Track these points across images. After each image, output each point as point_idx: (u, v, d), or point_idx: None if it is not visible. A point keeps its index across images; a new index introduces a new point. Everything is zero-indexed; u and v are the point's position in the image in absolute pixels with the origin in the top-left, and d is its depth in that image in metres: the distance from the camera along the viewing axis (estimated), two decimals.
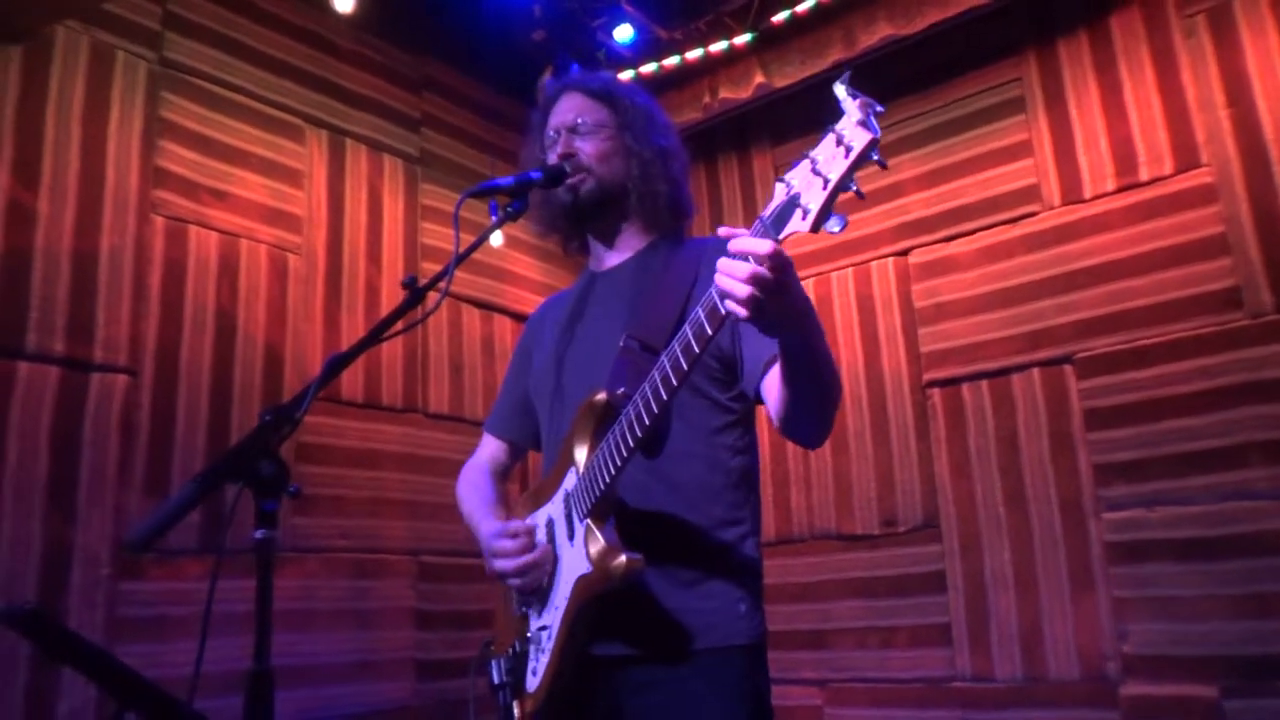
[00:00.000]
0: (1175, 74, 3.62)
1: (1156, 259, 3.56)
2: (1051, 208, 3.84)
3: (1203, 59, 3.56)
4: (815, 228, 1.13)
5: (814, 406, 1.52)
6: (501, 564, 1.66)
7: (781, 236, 1.17)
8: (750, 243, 1.19)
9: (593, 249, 1.94)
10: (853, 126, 1.09)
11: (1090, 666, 3.49)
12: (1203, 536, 3.32)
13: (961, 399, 3.96)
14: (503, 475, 2.04)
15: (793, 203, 1.15)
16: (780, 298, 1.23)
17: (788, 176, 1.17)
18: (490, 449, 2.06)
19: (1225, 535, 3.28)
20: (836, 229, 1.12)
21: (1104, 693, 3.43)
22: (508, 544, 1.66)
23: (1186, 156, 3.55)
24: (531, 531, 1.68)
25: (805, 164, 1.14)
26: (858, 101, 1.09)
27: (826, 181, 1.11)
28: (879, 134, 1.09)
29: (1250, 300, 3.35)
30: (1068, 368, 3.71)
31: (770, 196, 1.20)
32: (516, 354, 2.07)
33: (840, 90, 1.11)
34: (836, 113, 1.12)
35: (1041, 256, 3.83)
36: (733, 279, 1.21)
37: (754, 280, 1.19)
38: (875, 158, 1.10)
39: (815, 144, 1.14)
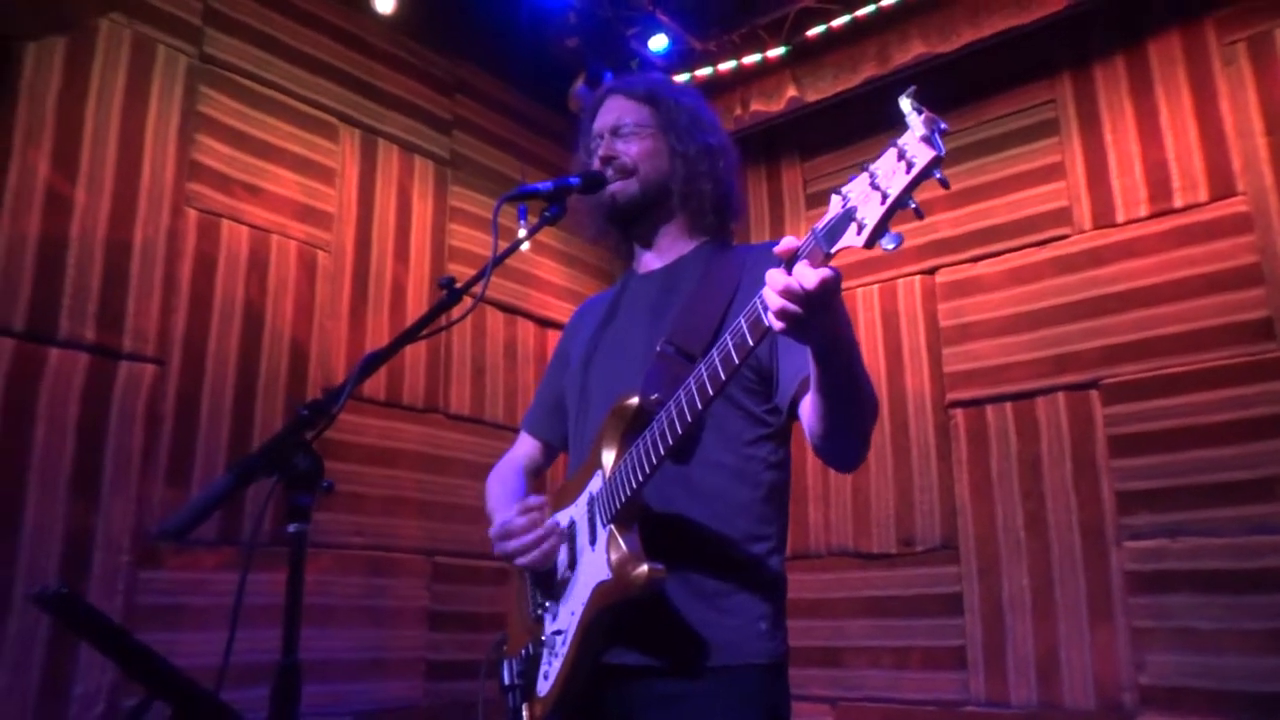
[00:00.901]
0: (1213, 101, 3.59)
1: (1188, 286, 3.52)
2: (1083, 231, 3.82)
3: (1242, 86, 3.53)
4: (870, 243, 1.10)
5: (849, 424, 1.48)
6: (512, 544, 1.62)
7: (834, 250, 1.15)
8: (803, 271, 1.17)
9: (635, 252, 1.91)
10: (916, 142, 1.06)
11: (1106, 696, 3.44)
12: (1226, 569, 3.28)
13: (985, 420, 3.93)
14: (535, 474, 2.01)
15: (848, 216, 1.12)
16: (824, 316, 1.21)
17: (845, 189, 1.13)
18: (525, 447, 2.03)
19: (1249, 569, 3.23)
20: (891, 246, 1.08)
21: None
22: (519, 520, 1.62)
23: (1222, 184, 3.52)
24: (544, 507, 1.64)
25: (864, 177, 1.11)
26: (923, 117, 1.06)
27: (885, 196, 1.07)
28: (943, 151, 1.05)
29: None
30: (1094, 393, 3.67)
31: (827, 208, 1.16)
32: (555, 353, 2.05)
33: (905, 104, 1.08)
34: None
35: (1071, 280, 3.80)
36: (778, 294, 1.18)
37: (800, 297, 1.17)
38: (938, 175, 1.07)
39: (875, 157, 1.10)
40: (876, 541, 4.11)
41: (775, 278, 1.19)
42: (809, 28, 4.25)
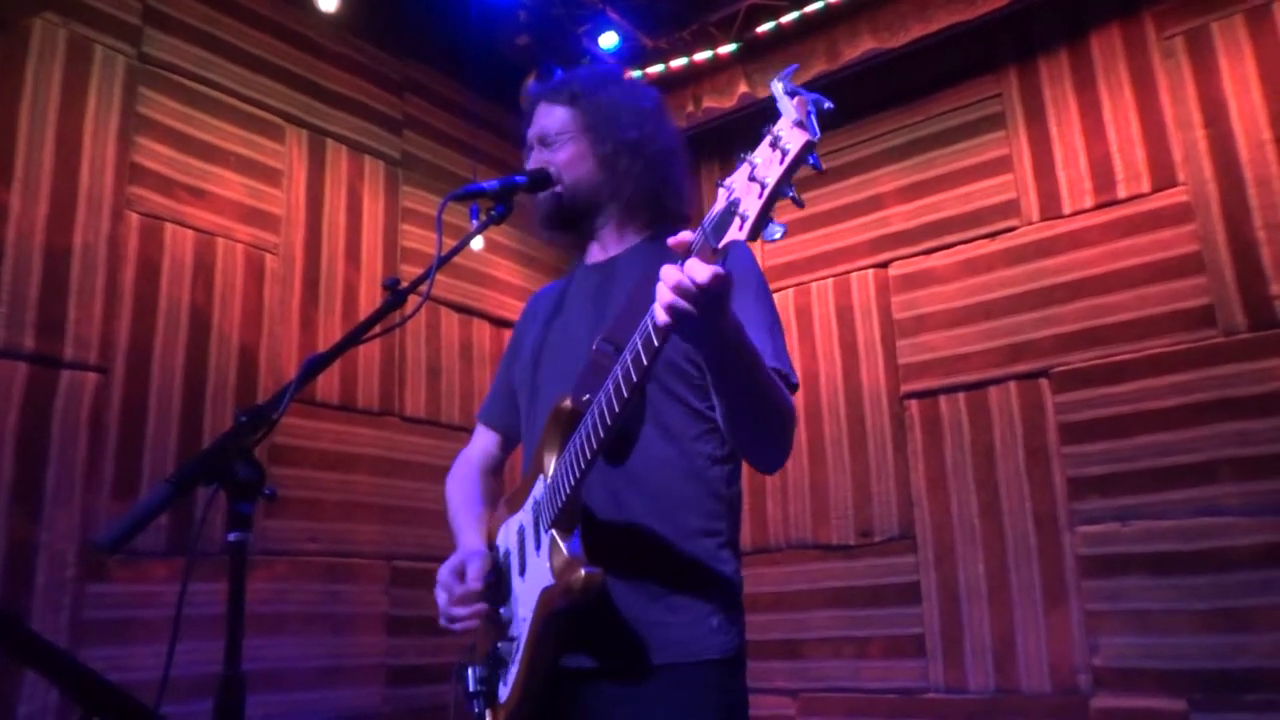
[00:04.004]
0: (1154, 94, 3.66)
1: (1133, 275, 3.60)
2: (1031, 223, 3.88)
3: (1181, 80, 3.61)
4: (753, 236, 1.08)
5: (759, 432, 1.50)
6: (440, 599, 1.70)
7: (720, 244, 1.13)
8: (694, 265, 1.16)
9: (586, 244, 1.90)
10: (789, 128, 1.03)
11: (1062, 679, 3.51)
12: (1174, 551, 3.36)
13: (939, 411, 3.98)
14: (494, 470, 2.00)
15: (731, 209, 1.10)
16: (715, 316, 1.21)
17: (729, 181, 1.12)
18: (482, 441, 2.02)
19: (1196, 550, 3.31)
20: (777, 235, 1.07)
21: (1075, 705, 3.45)
22: (455, 588, 1.68)
23: (1163, 175, 3.60)
24: (483, 591, 1.66)
25: (745, 168, 1.09)
26: (795, 100, 1.03)
27: (763, 188, 1.06)
28: (817, 135, 1.02)
29: (1224, 318, 3.39)
30: (1044, 381, 3.74)
31: (715, 200, 1.14)
32: (510, 344, 2.04)
33: (777, 87, 1.05)
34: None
35: (1020, 271, 3.86)
36: (669, 289, 1.18)
37: (691, 293, 1.16)
38: (812, 161, 1.04)
39: (753, 146, 1.09)
40: (835, 533, 4.14)
41: (668, 273, 1.18)
42: (759, 24, 4.27)
